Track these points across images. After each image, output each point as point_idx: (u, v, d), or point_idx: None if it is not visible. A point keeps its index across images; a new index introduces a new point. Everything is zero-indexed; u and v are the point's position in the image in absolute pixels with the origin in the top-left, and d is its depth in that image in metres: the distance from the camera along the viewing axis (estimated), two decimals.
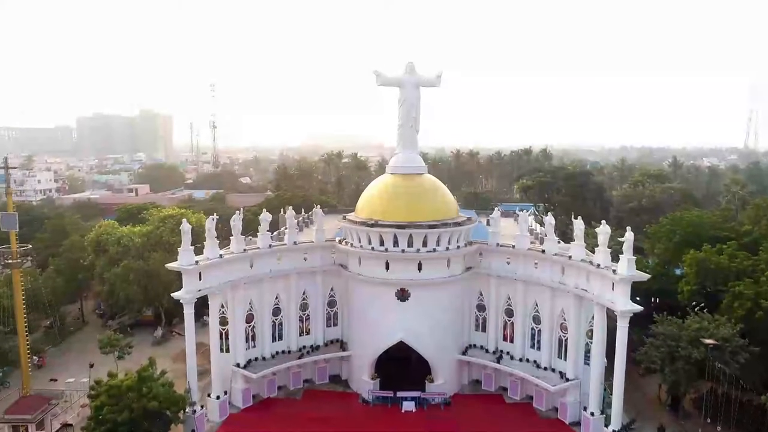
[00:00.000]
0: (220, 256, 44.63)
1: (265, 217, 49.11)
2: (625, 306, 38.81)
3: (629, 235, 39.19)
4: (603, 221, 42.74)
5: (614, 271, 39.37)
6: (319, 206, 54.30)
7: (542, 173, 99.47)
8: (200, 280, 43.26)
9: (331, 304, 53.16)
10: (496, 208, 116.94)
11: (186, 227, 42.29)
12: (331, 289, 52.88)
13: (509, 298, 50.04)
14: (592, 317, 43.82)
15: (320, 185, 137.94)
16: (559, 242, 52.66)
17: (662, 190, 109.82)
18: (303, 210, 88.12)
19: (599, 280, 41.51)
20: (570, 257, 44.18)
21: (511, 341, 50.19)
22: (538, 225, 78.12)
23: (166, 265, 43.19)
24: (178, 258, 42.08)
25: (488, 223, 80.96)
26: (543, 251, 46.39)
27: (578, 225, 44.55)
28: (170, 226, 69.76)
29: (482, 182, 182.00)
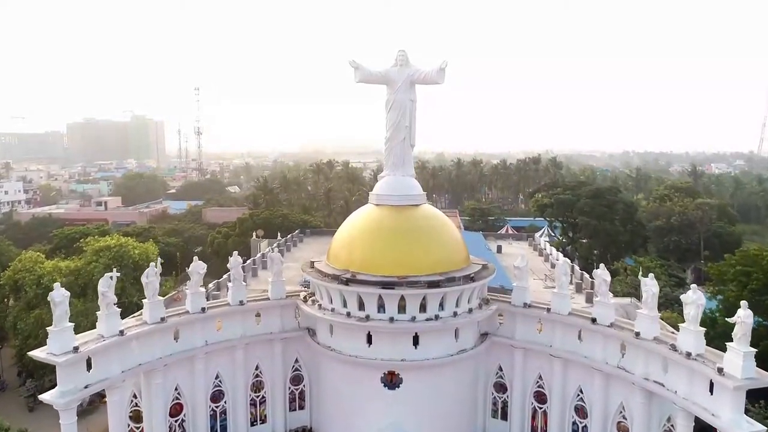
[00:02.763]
0: (121, 332, 30.33)
1: (198, 267, 34.72)
2: (738, 426, 24.59)
3: (745, 314, 24.95)
4: (694, 286, 28.30)
5: (720, 370, 25.13)
6: (274, 248, 39.68)
7: (560, 189, 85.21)
8: (89, 370, 29.05)
9: (296, 380, 38.86)
10: (507, 228, 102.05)
11: (58, 296, 27.93)
12: (296, 361, 38.55)
13: (541, 378, 35.84)
14: (668, 419, 29.79)
15: (307, 200, 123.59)
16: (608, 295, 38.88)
17: (695, 206, 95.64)
18: (279, 234, 74.19)
19: (687, 375, 27.33)
20: (637, 334, 29.89)
21: None
22: (554, 249, 64.23)
23: (30, 353, 28.78)
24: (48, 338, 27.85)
25: (498, 250, 67.55)
26: (594, 320, 32.13)
27: (648, 284, 30.24)
28: (105, 262, 55.62)
29: (485, 193, 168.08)
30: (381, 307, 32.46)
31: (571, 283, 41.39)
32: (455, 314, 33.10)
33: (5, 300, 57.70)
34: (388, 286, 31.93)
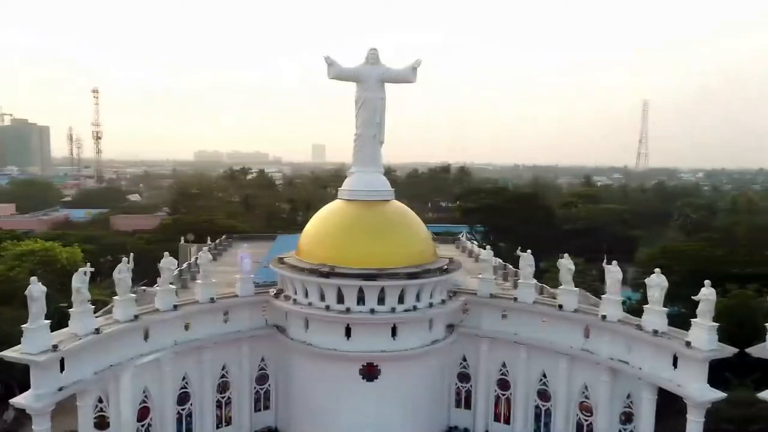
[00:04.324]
0: (97, 330, 28.54)
1: (169, 263, 33.32)
2: (703, 394, 27.48)
3: (708, 291, 27.99)
4: (657, 270, 31.24)
5: (688, 344, 27.98)
6: (244, 254, 38.55)
7: (483, 194, 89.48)
8: (63, 371, 27.06)
9: (261, 380, 38.12)
10: (465, 239, 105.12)
11: (36, 290, 25.95)
12: (262, 360, 37.82)
13: (504, 365, 37.66)
14: (628, 395, 32.55)
15: (224, 205, 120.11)
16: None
17: (601, 211, 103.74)
18: (209, 238, 71.79)
19: (652, 352, 30.08)
20: (604, 317, 32.43)
21: (506, 422, 37.77)
22: (480, 248, 67.24)
23: (3, 354, 26.34)
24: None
25: None
26: (560, 306, 34.43)
27: (612, 271, 32.97)
28: (29, 266, 51.31)
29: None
30: (360, 300, 32.85)
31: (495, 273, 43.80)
32: (431, 305, 34.18)
33: None
34: (369, 278, 32.44)
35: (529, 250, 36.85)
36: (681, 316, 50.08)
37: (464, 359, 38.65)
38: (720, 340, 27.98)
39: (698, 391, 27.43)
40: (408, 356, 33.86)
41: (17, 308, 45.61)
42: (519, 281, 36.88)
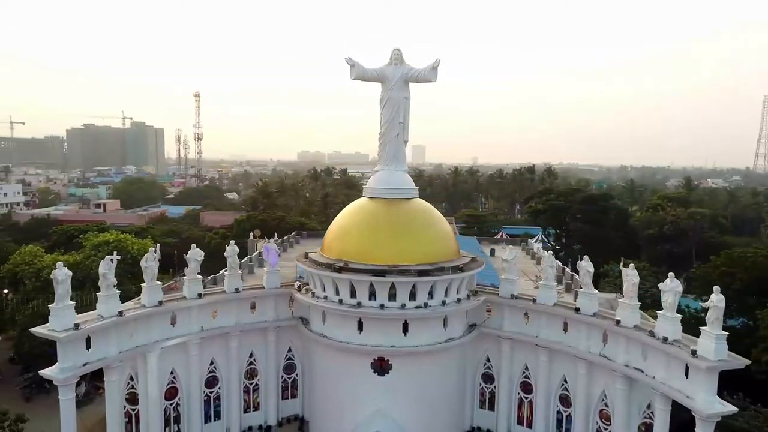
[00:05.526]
0: (120, 313, 31.34)
1: (195, 254, 35.78)
2: (711, 407, 25.63)
3: (717, 299, 26.08)
4: (671, 274, 29.45)
5: (694, 352, 26.22)
6: (272, 240, 40.77)
7: (554, 195, 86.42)
8: (88, 348, 30.04)
9: (289, 369, 39.84)
10: (501, 233, 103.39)
11: (61, 274, 29.05)
12: (289, 350, 39.59)
13: (527, 368, 36.86)
14: (648, 406, 30.80)
15: (305, 204, 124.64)
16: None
17: (688, 215, 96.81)
18: (276, 234, 75.13)
19: (664, 360, 28.40)
20: (618, 322, 30.99)
21: (529, 426, 36.93)
22: (546, 253, 65.14)
23: (32, 330, 29.76)
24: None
25: (492, 254, 68.51)
26: (577, 309, 33.23)
27: (630, 274, 31.43)
28: (103, 256, 56.35)
29: (482, 202, 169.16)
30: (372, 295, 33.49)
31: (561, 282, 42.54)
32: (444, 303, 34.13)
33: (4, 292, 58.44)
34: (379, 273, 32.99)
35: (586, 256, 35.21)
36: (747, 328, 46.48)
37: (488, 360, 38.27)
38: None
39: (705, 403, 25.63)
40: (419, 353, 34.03)
41: (88, 292, 50.44)
42: (579, 290, 35.03)
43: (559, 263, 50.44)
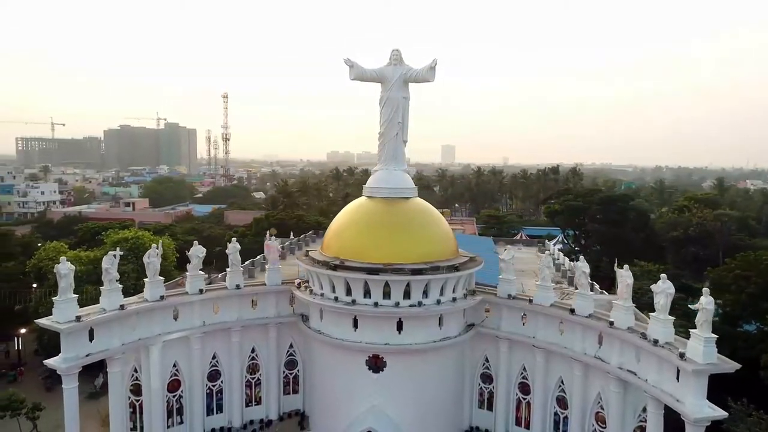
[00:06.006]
0: (121, 307, 32.42)
1: (197, 251, 36.78)
2: (699, 411, 25.26)
3: (706, 301, 25.69)
4: (663, 275, 29.01)
5: (682, 355, 25.89)
6: (272, 236, 41.56)
7: (572, 196, 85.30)
8: (91, 340, 31.18)
9: (290, 364, 40.53)
10: (521, 234, 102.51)
11: (64, 269, 30.21)
12: (291, 346, 40.27)
13: (525, 369, 36.75)
14: (644, 409, 30.41)
15: (327, 204, 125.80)
16: (601, 292, 39.72)
17: (714, 216, 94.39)
18: (292, 233, 76.17)
19: (656, 363, 28.06)
20: (611, 323, 30.74)
21: (527, 427, 36.81)
22: (567, 259, 64.55)
23: (37, 321, 31.07)
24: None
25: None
26: (572, 311, 33.03)
27: (624, 275, 31.14)
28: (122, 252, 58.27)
29: (507, 203, 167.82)
30: (367, 293, 33.88)
31: (572, 284, 42.07)
32: (439, 302, 34.28)
33: (33, 286, 60.69)
34: (373, 272, 33.35)
35: (582, 257, 35.07)
36: (761, 333, 45.41)
37: (487, 360, 38.25)
38: None
39: (693, 407, 25.25)
40: (414, 351, 34.27)
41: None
42: (574, 291, 34.73)
43: (573, 264, 50.07)
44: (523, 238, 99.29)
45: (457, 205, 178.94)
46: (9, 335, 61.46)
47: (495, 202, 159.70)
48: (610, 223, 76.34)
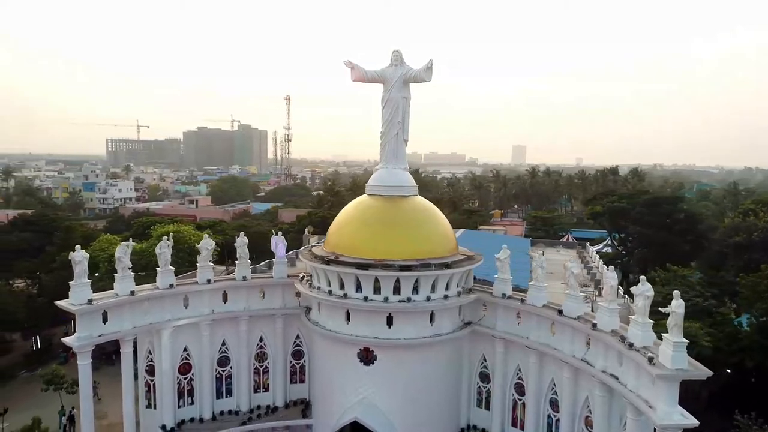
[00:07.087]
0: (132, 292, 35.14)
1: (206, 244, 39.18)
2: (668, 418, 24.62)
3: (676, 304, 25.05)
4: (642, 278, 28.40)
5: (651, 359, 25.38)
6: (279, 233, 43.38)
7: (615, 197, 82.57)
8: (105, 322, 34.07)
9: (297, 354, 42.26)
10: (568, 236, 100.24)
11: (78, 256, 33.15)
12: (297, 337, 42.00)
13: (520, 370, 36.70)
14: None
15: None
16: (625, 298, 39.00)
17: None
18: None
19: (634, 368, 27.56)
20: (594, 325, 30.37)
21: (522, 428, 36.74)
22: (603, 265, 62.99)
23: (56, 302, 34.24)
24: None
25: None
26: (560, 312, 32.80)
27: (608, 277, 30.66)
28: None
29: (564, 204, 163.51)
30: (358, 287, 34.98)
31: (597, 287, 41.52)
32: (428, 299, 34.88)
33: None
34: (363, 266, 34.42)
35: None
36: None
37: (484, 359, 38.43)
38: None
39: (662, 414, 24.62)
40: (402, 345, 35.01)
41: (151, 276, 56.04)
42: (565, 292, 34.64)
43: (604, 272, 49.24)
44: (571, 240, 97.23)
45: (516, 206, 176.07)
46: (67, 319, 66.89)
47: (553, 204, 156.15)
48: (654, 225, 73.36)
